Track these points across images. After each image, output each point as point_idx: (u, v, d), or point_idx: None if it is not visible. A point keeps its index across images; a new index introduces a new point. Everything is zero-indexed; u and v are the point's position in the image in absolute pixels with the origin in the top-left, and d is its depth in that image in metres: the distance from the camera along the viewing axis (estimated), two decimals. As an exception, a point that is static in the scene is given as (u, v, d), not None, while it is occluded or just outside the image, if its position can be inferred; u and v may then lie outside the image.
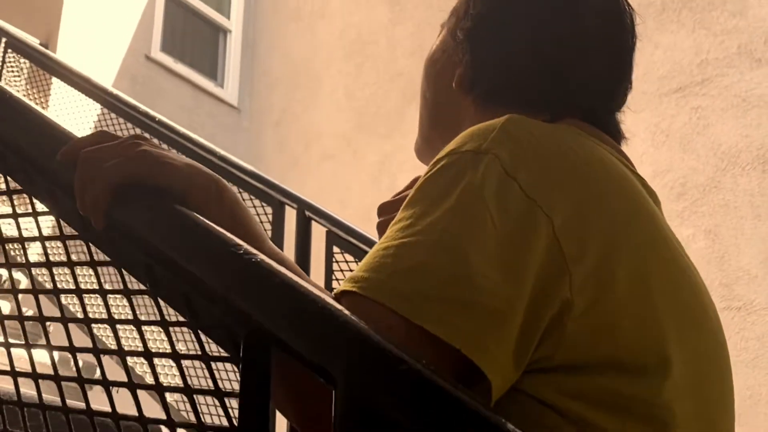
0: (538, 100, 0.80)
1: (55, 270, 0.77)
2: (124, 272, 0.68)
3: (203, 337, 0.62)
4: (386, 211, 0.93)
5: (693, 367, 0.69)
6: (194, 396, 0.60)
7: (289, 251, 2.37)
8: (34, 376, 0.72)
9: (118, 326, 0.67)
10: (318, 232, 2.51)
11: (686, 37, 3.95)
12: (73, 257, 0.72)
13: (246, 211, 0.72)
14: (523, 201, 0.64)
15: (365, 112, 5.42)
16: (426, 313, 0.59)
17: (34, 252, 0.83)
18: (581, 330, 0.63)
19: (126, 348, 0.66)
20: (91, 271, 0.72)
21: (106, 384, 0.66)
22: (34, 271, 0.80)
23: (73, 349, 0.70)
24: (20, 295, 0.81)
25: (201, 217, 0.63)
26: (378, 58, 5.47)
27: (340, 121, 5.55)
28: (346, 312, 0.53)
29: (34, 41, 4.08)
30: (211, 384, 0.60)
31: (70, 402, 0.69)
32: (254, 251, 0.59)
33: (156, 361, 0.67)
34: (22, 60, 3.84)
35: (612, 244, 0.66)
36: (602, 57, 0.85)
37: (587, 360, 0.63)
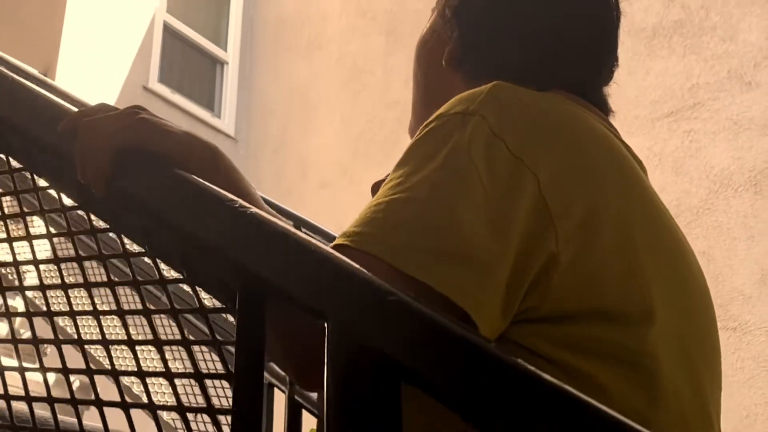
0: (525, 73, 0.83)
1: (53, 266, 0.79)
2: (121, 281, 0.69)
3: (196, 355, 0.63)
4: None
5: (678, 321, 0.71)
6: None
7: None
8: (27, 399, 0.72)
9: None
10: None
11: (677, 63, 4.00)
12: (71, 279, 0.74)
13: (242, 176, 0.74)
14: (510, 160, 0.67)
15: (361, 140, 5.46)
16: (416, 263, 0.61)
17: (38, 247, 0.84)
18: (567, 281, 0.65)
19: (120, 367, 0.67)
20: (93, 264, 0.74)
21: (100, 404, 0.66)
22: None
23: (66, 371, 0.71)
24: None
25: (198, 178, 0.65)
26: (374, 87, 5.52)
27: (336, 149, 5.59)
28: (337, 254, 0.55)
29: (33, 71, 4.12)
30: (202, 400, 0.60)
31: (63, 418, 0.69)
32: (248, 205, 0.61)
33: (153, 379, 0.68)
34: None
35: (597, 200, 0.69)
36: (588, 31, 0.88)
37: (573, 310, 0.65)
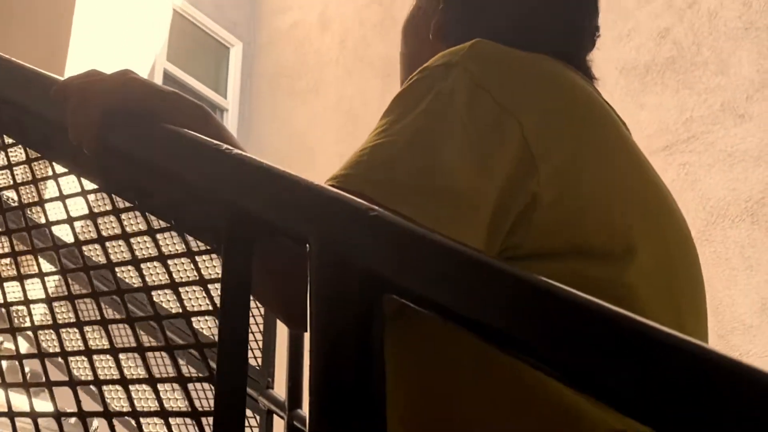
0: (510, 41, 0.85)
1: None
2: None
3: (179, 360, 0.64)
4: None
5: (660, 260, 0.72)
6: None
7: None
8: (10, 414, 0.72)
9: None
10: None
11: (671, 97, 4.05)
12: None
13: (231, 135, 0.75)
14: (493, 106, 0.68)
15: (360, 182, 5.48)
16: (399, 197, 0.62)
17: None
18: (549, 220, 0.66)
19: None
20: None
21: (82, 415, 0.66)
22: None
23: (49, 384, 0.71)
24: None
25: (184, 129, 0.67)
26: (371, 128, 5.57)
27: (335, 193, 5.61)
28: (317, 182, 0.56)
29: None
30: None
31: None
32: (232, 147, 0.62)
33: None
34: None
35: (579, 145, 0.70)
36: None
37: (555, 248, 0.66)
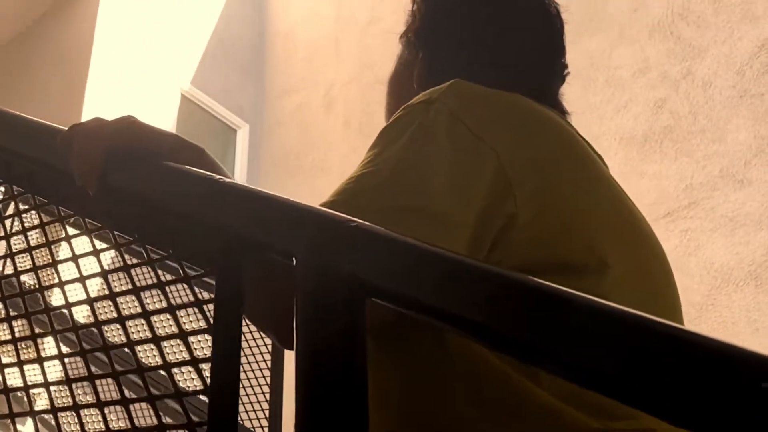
0: (486, 81, 0.90)
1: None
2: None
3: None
4: None
5: (632, 272, 0.75)
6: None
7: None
8: None
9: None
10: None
11: (670, 165, 4.11)
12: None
13: (226, 171, 0.80)
14: (471, 137, 0.73)
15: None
16: (383, 219, 0.66)
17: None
18: (526, 238, 0.70)
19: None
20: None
21: None
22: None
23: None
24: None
25: (181, 165, 0.71)
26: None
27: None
28: (302, 203, 0.60)
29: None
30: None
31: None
32: (225, 179, 0.67)
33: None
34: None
35: (552, 169, 0.74)
36: (538, 41, 0.96)
37: (533, 264, 0.70)
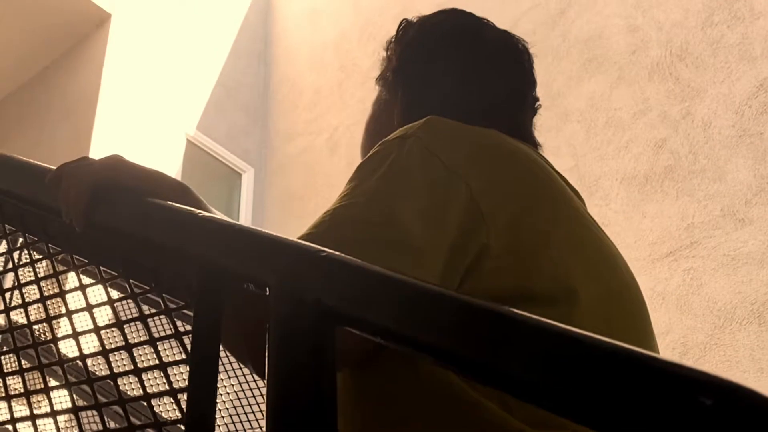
0: (461, 117, 0.92)
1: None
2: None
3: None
4: None
5: (603, 304, 0.76)
6: None
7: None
8: None
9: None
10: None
11: (671, 205, 4.12)
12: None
13: (209, 207, 0.82)
14: (444, 170, 0.75)
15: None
16: (357, 251, 0.68)
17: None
18: (498, 268, 0.71)
19: None
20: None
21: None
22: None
23: None
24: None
25: (162, 201, 0.73)
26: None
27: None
28: (276, 235, 0.62)
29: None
30: None
31: None
32: (201, 211, 0.69)
33: None
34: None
35: (523, 201, 0.76)
36: (506, 75, 0.99)
37: (505, 293, 0.71)
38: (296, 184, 6.66)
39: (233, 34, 7.27)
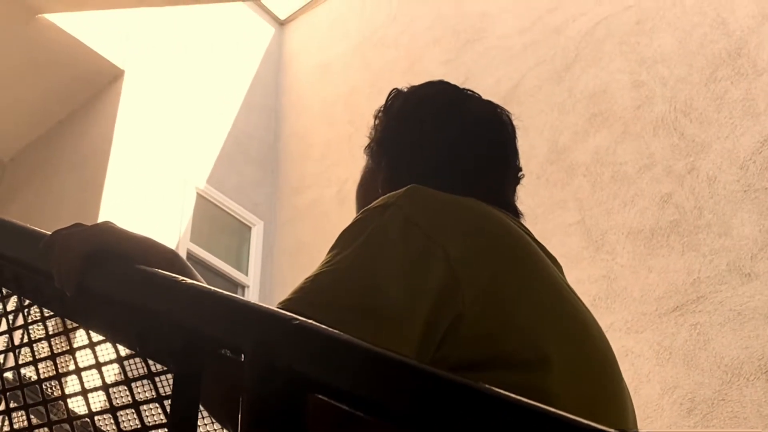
0: (443, 185, 0.95)
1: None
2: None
3: None
4: None
5: (577, 367, 0.78)
6: None
7: None
8: None
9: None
10: None
11: (677, 259, 4.12)
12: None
13: (195, 273, 0.85)
14: (423, 239, 0.78)
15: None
16: (335, 318, 0.70)
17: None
18: (473, 334, 0.74)
19: None
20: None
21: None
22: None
23: None
24: None
25: (150, 268, 0.76)
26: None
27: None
28: (252, 302, 0.65)
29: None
30: None
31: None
32: (185, 279, 0.72)
33: None
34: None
35: (499, 269, 0.79)
36: (491, 147, 1.02)
37: (480, 358, 0.74)
38: (305, 236, 6.69)
39: (245, 88, 7.38)
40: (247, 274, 6.74)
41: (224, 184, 6.67)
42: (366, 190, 1.09)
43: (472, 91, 1.10)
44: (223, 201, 6.65)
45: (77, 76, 6.07)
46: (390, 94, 1.11)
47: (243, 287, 6.69)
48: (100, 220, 4.07)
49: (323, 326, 0.59)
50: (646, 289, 4.15)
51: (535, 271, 0.84)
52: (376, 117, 1.11)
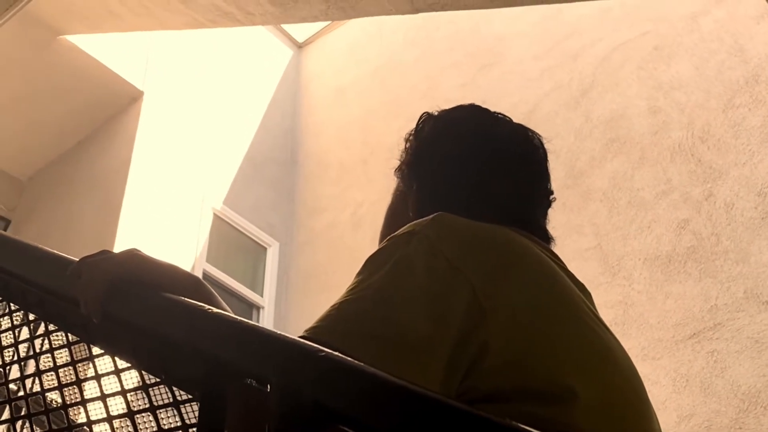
0: (472, 212, 0.95)
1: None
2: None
3: None
4: None
5: (604, 402, 0.78)
6: None
7: None
8: None
9: None
10: None
11: (694, 286, 4.10)
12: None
13: (220, 301, 0.86)
14: (448, 268, 0.79)
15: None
16: (361, 347, 0.71)
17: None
18: (498, 365, 0.74)
19: None
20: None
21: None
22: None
23: None
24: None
25: (175, 296, 0.77)
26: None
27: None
28: (278, 333, 0.66)
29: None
30: None
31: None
32: (212, 309, 0.72)
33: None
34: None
35: (523, 300, 0.80)
36: (519, 170, 1.02)
37: (506, 390, 0.74)
38: (321, 258, 6.69)
39: (262, 110, 7.42)
40: (262, 295, 6.75)
41: (240, 205, 6.70)
42: (393, 213, 1.09)
43: (503, 115, 1.10)
44: (239, 222, 6.68)
45: (97, 96, 6.13)
46: (421, 118, 1.11)
47: (258, 308, 6.70)
48: (117, 239, 4.11)
49: (349, 358, 0.60)
50: (663, 315, 4.13)
51: (561, 303, 0.84)
52: (407, 140, 1.11)
